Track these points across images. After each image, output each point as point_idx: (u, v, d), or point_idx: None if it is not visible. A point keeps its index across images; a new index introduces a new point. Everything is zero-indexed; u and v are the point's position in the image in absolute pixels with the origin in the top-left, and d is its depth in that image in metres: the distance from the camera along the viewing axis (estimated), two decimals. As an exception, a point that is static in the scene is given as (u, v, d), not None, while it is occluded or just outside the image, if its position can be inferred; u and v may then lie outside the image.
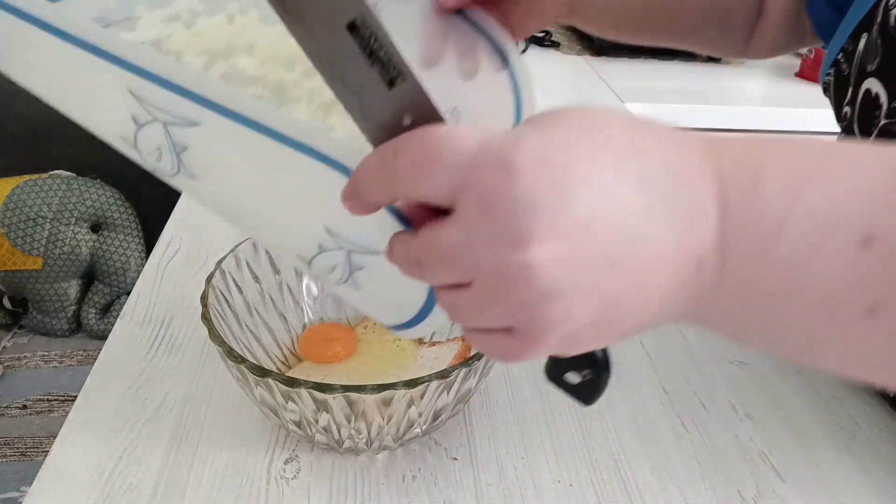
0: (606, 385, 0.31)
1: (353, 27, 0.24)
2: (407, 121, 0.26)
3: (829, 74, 0.56)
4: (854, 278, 0.24)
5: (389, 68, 0.25)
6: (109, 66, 0.31)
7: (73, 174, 1.64)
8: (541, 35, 1.42)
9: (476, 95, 0.40)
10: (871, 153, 0.26)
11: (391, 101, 0.25)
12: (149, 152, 0.34)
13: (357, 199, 0.27)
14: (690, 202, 0.24)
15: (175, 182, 0.35)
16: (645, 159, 0.24)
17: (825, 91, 0.57)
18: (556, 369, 0.31)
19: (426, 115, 0.26)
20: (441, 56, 0.39)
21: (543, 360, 0.31)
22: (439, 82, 0.35)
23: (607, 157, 0.24)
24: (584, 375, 0.31)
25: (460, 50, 0.40)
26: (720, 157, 0.25)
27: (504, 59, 0.40)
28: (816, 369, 0.28)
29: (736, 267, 0.25)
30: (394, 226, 0.29)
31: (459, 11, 0.41)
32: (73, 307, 1.64)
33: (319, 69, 0.26)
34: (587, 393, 0.31)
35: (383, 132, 0.26)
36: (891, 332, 0.24)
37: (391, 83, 0.25)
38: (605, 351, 0.30)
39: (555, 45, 1.39)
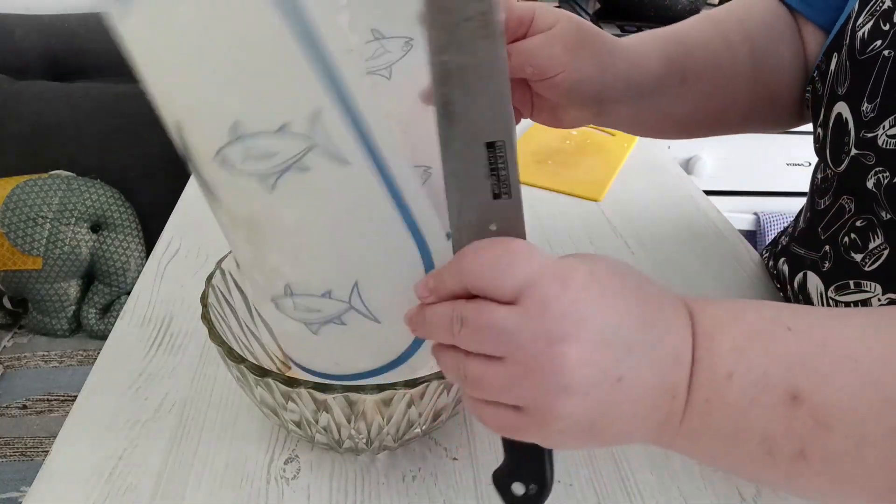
0: (545, 503, 0.34)
1: (491, 145, 0.29)
2: (493, 227, 0.31)
3: (807, 92, 0.55)
4: (785, 428, 0.29)
5: (502, 185, 0.30)
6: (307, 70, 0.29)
7: (73, 174, 1.63)
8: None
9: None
10: (803, 316, 0.31)
11: (489, 210, 0.30)
12: (259, 157, 0.31)
13: (434, 292, 0.32)
14: (675, 346, 0.30)
15: (236, 181, 0.32)
16: (649, 307, 0.31)
17: (807, 108, 0.56)
18: (505, 476, 0.35)
19: (512, 228, 0.31)
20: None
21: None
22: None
23: (628, 297, 0.30)
24: (528, 489, 0.34)
25: None
26: (693, 314, 0.32)
27: None
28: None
29: (695, 405, 0.30)
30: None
31: None
32: (73, 307, 1.64)
33: (443, 161, 0.29)
34: None
35: (468, 230, 0.31)
36: (819, 473, 0.29)
37: (496, 196, 0.30)
38: (552, 471, 0.34)
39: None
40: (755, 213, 1.43)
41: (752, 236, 1.43)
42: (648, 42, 0.51)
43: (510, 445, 0.35)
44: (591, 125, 0.89)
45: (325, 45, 0.29)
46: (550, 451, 0.34)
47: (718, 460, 0.32)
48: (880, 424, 0.28)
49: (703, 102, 0.54)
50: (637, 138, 0.93)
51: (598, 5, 1.44)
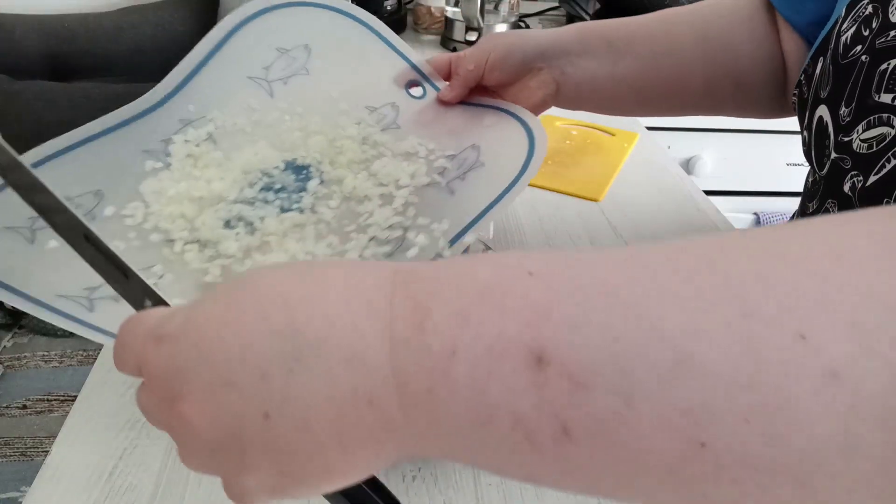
0: None
1: (87, 237, 0.31)
2: (148, 303, 0.31)
3: (794, 94, 0.56)
4: (537, 402, 0.22)
5: (118, 267, 0.31)
6: None
7: (73, 174, 1.63)
8: (541, 35, 1.42)
9: (493, 135, 0.54)
10: (558, 257, 0.24)
11: (131, 290, 0.31)
12: None
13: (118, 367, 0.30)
14: (347, 346, 0.24)
15: None
16: (294, 308, 0.24)
17: (794, 109, 0.57)
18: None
19: (157, 300, 0.31)
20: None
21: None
22: (466, 127, 0.55)
23: (249, 313, 0.25)
24: None
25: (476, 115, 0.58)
26: (395, 294, 0.25)
27: (513, 114, 0.55)
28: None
29: (415, 401, 0.23)
30: None
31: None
32: (73, 307, 1.64)
33: (90, 265, 0.32)
34: None
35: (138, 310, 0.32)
36: (590, 455, 0.22)
37: (126, 276, 0.31)
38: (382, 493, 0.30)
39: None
40: (755, 213, 1.43)
41: (752, 236, 1.43)
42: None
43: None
44: (591, 125, 0.90)
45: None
46: (369, 482, 0.30)
47: (481, 460, 0.25)
48: (653, 368, 0.21)
49: (647, 68, 0.59)
50: (637, 138, 0.93)
51: (598, 5, 1.44)
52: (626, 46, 0.59)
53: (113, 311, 0.38)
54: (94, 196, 0.44)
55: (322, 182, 0.49)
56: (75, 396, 0.49)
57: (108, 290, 0.39)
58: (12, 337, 1.66)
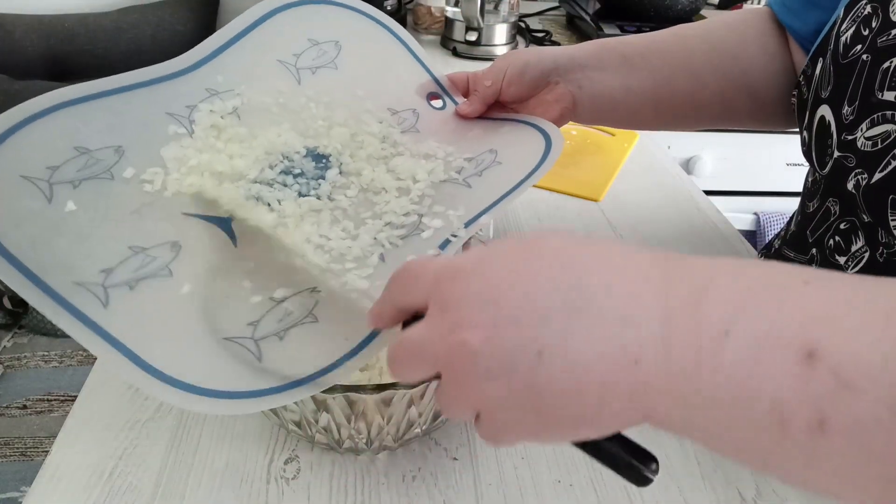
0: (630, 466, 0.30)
1: None
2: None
3: (793, 96, 0.56)
4: (799, 392, 0.24)
5: None
6: None
7: (73, 174, 1.63)
8: (540, 35, 1.42)
9: (511, 139, 0.55)
10: (825, 273, 0.27)
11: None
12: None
13: (378, 318, 0.35)
14: (625, 308, 0.27)
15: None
16: (578, 268, 0.28)
17: (793, 113, 0.58)
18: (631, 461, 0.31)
19: None
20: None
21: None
22: (485, 135, 0.57)
23: (536, 265, 0.28)
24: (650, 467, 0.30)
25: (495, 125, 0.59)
26: (671, 272, 0.28)
27: (531, 123, 0.57)
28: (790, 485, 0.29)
29: (680, 369, 0.26)
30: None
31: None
32: (73, 307, 1.64)
33: None
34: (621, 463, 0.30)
35: None
36: (842, 451, 0.24)
37: None
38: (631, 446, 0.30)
39: (554, 45, 1.39)
40: (755, 213, 1.43)
41: (752, 236, 1.43)
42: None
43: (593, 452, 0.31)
44: (593, 126, 0.90)
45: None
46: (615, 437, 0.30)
47: (723, 438, 0.27)
48: None
49: (662, 81, 0.60)
50: (637, 138, 0.93)
51: (598, 5, 1.44)
52: (641, 60, 0.60)
53: (127, 305, 0.38)
54: (114, 152, 0.44)
55: (341, 173, 0.50)
56: (75, 396, 0.49)
57: (125, 274, 0.39)
58: (12, 337, 1.66)
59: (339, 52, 0.57)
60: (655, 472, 0.30)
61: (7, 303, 1.67)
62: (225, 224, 0.44)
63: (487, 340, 0.27)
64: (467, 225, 0.46)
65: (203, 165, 0.46)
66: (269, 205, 0.46)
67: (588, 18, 1.37)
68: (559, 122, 0.60)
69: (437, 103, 0.61)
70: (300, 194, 0.47)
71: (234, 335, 0.40)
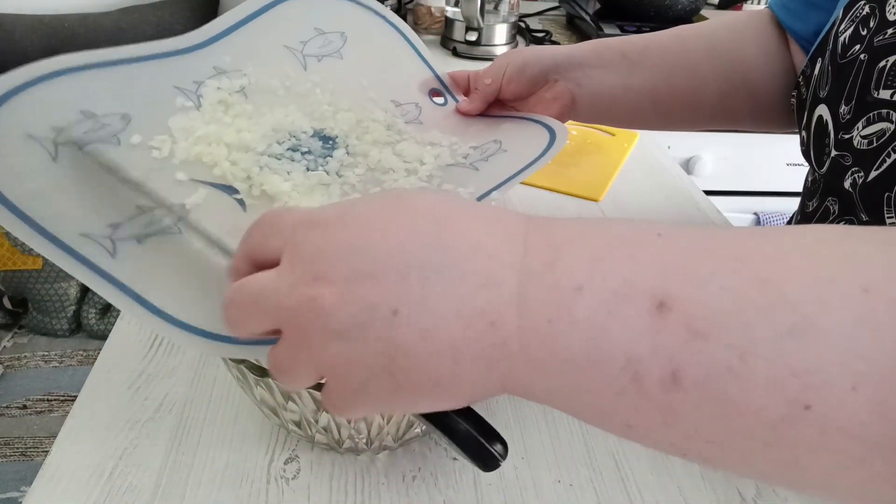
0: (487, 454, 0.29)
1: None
2: None
3: (793, 96, 0.56)
4: (652, 345, 0.23)
5: None
6: None
7: (73, 174, 1.63)
8: (540, 35, 1.42)
9: (515, 132, 0.57)
10: (685, 227, 0.26)
11: None
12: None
13: (234, 273, 0.31)
14: (484, 269, 0.26)
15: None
16: (443, 227, 0.27)
17: (793, 113, 0.58)
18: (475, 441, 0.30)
19: None
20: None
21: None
22: (487, 129, 0.59)
23: (402, 221, 0.27)
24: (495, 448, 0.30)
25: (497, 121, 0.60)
26: (531, 232, 0.27)
27: (533, 119, 0.58)
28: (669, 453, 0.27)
29: (535, 327, 0.25)
30: None
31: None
32: (73, 307, 1.64)
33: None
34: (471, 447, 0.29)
35: None
36: (697, 404, 0.23)
37: None
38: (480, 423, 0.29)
39: (554, 45, 1.39)
40: (755, 213, 1.43)
41: (752, 236, 1.43)
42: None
43: (433, 423, 0.30)
44: (592, 125, 0.89)
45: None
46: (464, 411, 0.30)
47: (585, 403, 0.26)
48: (772, 328, 0.22)
49: (661, 80, 0.60)
50: (637, 138, 0.93)
51: (598, 5, 1.44)
52: (640, 59, 0.60)
53: (136, 258, 0.37)
54: (121, 119, 0.43)
55: (348, 153, 0.50)
56: (75, 396, 0.49)
57: (133, 229, 0.39)
58: (12, 337, 1.66)
59: (345, 44, 0.58)
60: (503, 454, 0.29)
61: (7, 303, 1.67)
62: (233, 192, 0.44)
63: (341, 296, 0.25)
64: (479, 199, 0.46)
65: (211, 136, 0.46)
66: (282, 175, 0.46)
67: (588, 18, 1.37)
68: (559, 120, 0.60)
69: (439, 100, 0.61)
70: (308, 169, 0.47)
71: None
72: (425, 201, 0.28)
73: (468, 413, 0.29)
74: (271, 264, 0.28)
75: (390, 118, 0.55)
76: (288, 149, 0.48)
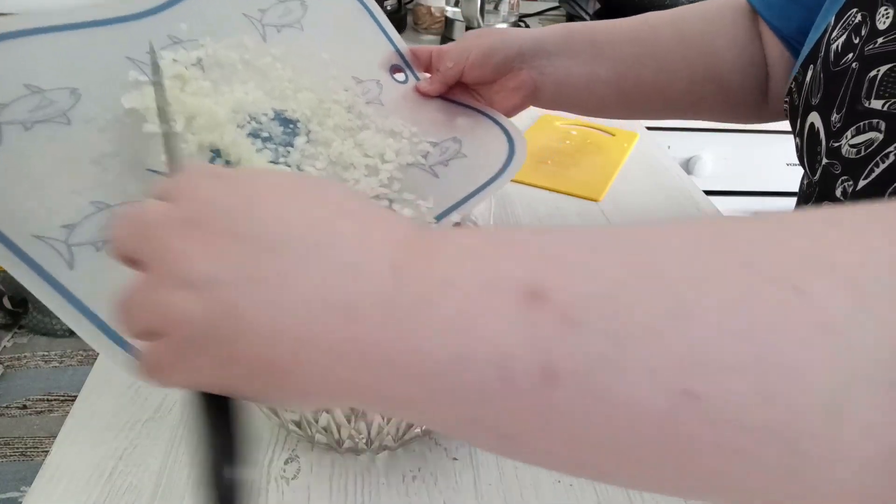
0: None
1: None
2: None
3: (786, 102, 0.56)
4: (524, 339, 0.21)
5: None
6: None
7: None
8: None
9: (474, 132, 0.57)
10: (549, 226, 0.25)
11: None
12: None
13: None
14: (351, 258, 0.24)
15: None
16: (335, 214, 0.26)
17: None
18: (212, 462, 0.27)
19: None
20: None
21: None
22: (446, 121, 0.58)
23: (303, 198, 0.26)
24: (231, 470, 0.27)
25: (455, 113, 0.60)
26: (412, 234, 0.25)
27: (490, 117, 0.58)
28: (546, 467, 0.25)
29: (397, 328, 0.23)
30: None
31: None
32: (73, 307, 1.64)
33: None
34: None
35: None
36: (572, 399, 0.21)
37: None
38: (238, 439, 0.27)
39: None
40: (755, 214, 1.43)
41: (752, 236, 1.43)
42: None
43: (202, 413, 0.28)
44: (592, 125, 0.89)
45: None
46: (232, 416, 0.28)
47: (454, 414, 0.23)
48: (648, 312, 0.20)
49: (628, 69, 0.60)
50: (637, 138, 0.93)
51: (598, 5, 1.44)
52: (608, 46, 0.60)
53: (94, 268, 0.34)
54: (70, 95, 0.40)
55: (309, 141, 0.49)
56: (75, 396, 0.49)
57: (90, 233, 0.35)
58: (12, 337, 1.66)
59: (306, 13, 0.56)
60: (238, 479, 0.26)
61: (7, 303, 1.67)
62: None
63: (205, 245, 0.24)
64: (438, 219, 0.47)
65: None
66: (239, 163, 0.44)
67: (588, 18, 1.37)
68: (520, 108, 0.61)
69: (400, 76, 0.60)
70: (270, 162, 0.47)
71: None
72: (334, 191, 0.28)
73: (233, 416, 0.27)
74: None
75: (352, 98, 0.54)
76: (248, 135, 0.46)
